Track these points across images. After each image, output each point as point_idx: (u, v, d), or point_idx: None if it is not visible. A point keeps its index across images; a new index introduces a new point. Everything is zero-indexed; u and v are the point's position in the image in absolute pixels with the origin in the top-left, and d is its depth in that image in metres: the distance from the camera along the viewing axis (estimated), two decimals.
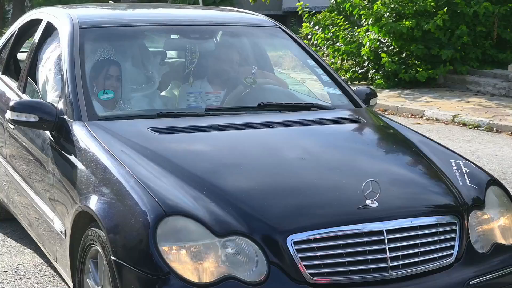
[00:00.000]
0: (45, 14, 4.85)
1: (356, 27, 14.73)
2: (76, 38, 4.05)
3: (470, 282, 2.94)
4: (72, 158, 3.47)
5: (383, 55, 13.42)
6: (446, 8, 12.55)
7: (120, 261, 2.76)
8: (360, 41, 13.82)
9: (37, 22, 4.98)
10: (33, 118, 3.63)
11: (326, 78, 4.51)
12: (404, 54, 13.52)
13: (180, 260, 2.70)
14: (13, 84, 4.83)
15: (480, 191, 3.28)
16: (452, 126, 10.50)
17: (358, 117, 4.06)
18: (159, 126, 3.62)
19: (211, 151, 3.47)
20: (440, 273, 2.91)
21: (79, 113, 3.66)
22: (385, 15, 13.13)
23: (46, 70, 4.39)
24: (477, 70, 13.45)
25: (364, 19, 13.63)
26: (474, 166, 3.53)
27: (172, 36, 4.72)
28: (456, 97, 12.54)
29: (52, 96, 4.15)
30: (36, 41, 4.64)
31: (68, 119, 3.67)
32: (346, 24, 14.92)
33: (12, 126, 4.36)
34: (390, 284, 2.79)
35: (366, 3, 13.35)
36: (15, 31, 5.34)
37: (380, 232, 2.82)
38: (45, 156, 3.80)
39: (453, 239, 3.00)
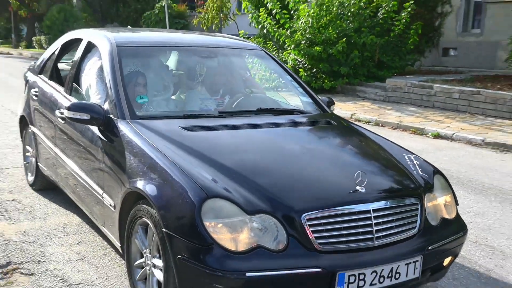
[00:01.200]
0: (85, 34, 4.71)
1: (281, 50, 14.64)
2: (115, 54, 3.96)
3: (429, 247, 2.97)
4: (120, 149, 3.36)
5: (300, 70, 13.49)
6: (344, 38, 12.69)
7: (171, 232, 2.68)
8: (284, 60, 13.70)
9: (77, 40, 4.79)
10: (85, 116, 3.52)
11: (300, 89, 4.42)
12: (315, 70, 13.56)
13: (220, 233, 2.60)
14: (59, 88, 4.64)
15: (429, 178, 3.32)
16: (351, 121, 10.48)
17: (329, 119, 4.03)
18: (187, 125, 3.51)
19: (232, 146, 3.38)
20: (408, 241, 2.92)
21: (122, 113, 3.54)
22: (302, 42, 13.20)
23: (89, 78, 4.26)
24: (364, 82, 13.68)
25: (288, 45, 13.53)
26: (422, 159, 3.56)
27: (183, 54, 4.57)
28: (351, 101, 12.66)
29: (95, 98, 4.02)
30: (79, 55, 4.50)
31: (113, 117, 3.56)
32: (274, 48, 14.92)
33: (62, 121, 4.14)
34: (375, 250, 2.77)
35: (289, 34, 13.26)
36: (58, 47, 5.08)
37: (368, 211, 2.82)
38: (94, 146, 3.67)
39: (416, 215, 3.02)
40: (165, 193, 2.84)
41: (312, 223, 2.68)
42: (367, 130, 4.00)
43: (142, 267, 3.11)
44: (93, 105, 3.61)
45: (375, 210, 2.83)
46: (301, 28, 13.02)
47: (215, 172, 2.87)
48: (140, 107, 3.71)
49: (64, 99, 4.33)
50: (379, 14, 13.12)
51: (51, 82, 4.87)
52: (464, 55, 16.69)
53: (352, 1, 12.74)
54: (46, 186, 5.19)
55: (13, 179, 5.69)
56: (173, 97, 4.11)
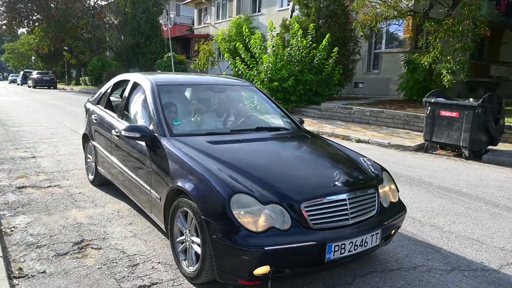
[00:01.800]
0: (131, 77, 4.42)
1: None
2: (155, 90, 3.69)
3: (384, 223, 2.87)
4: (163, 158, 3.14)
5: None
6: (293, 77, 12.62)
7: (208, 219, 2.55)
8: None
9: (124, 81, 4.49)
10: (137, 134, 3.32)
11: (281, 113, 4.19)
12: (274, 98, 13.05)
13: (244, 218, 2.47)
14: (113, 114, 4.32)
15: (380, 173, 3.22)
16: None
17: (305, 134, 3.83)
18: (211, 140, 3.27)
19: (244, 154, 3.15)
20: (371, 219, 2.82)
21: (164, 132, 3.32)
22: (265, 79, 12.98)
23: (135, 107, 4.01)
24: (306, 105, 13.47)
25: (255, 81, 13.26)
26: (372, 160, 3.39)
27: (200, 89, 4.34)
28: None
29: (141, 122, 3.78)
30: (128, 91, 4.20)
31: (157, 135, 3.33)
32: None
33: (117, 138, 3.85)
34: (350, 226, 2.67)
35: (256, 73, 13.08)
36: (111, 86, 4.77)
37: (344, 200, 2.71)
38: (143, 156, 3.43)
39: (375, 201, 2.91)
40: (201, 190, 2.65)
41: (308, 209, 2.55)
42: (331, 140, 3.85)
43: (183, 242, 2.90)
44: (141, 127, 3.37)
45: (349, 198, 2.71)
46: (264, 70, 12.85)
47: (236, 174, 2.70)
48: (175, 128, 3.46)
49: (118, 122, 4.05)
50: (315, 60, 13.07)
51: (106, 110, 4.57)
52: (368, 86, 16.86)
53: (297, 53, 12.74)
54: (102, 183, 4.86)
55: (77, 178, 5.32)
56: (192, 119, 3.87)
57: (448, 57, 11.15)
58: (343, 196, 2.69)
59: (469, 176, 6.05)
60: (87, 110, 5.14)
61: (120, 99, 4.86)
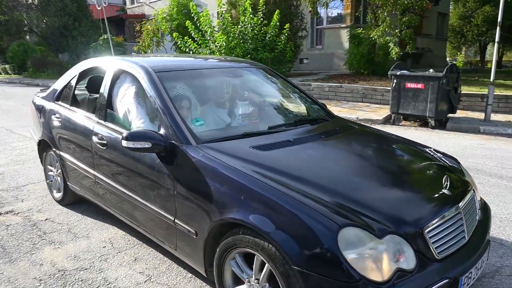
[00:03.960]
0: (108, 63, 3.07)
1: None
2: (156, 80, 2.47)
3: (488, 231, 2.19)
4: (196, 176, 2.06)
5: None
6: (248, 55, 11.52)
7: (306, 271, 1.58)
8: None
9: (95, 69, 3.20)
10: (147, 145, 2.15)
11: (307, 99, 3.16)
12: None
13: (364, 265, 1.56)
14: (88, 114, 2.98)
15: (459, 166, 2.46)
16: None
17: (350, 124, 2.86)
18: (255, 144, 2.22)
19: (310, 163, 2.13)
20: (478, 229, 2.07)
21: (186, 139, 2.20)
22: None
23: (125, 104, 2.72)
24: None
25: None
26: (440, 151, 2.62)
27: (211, 75, 3.09)
28: None
29: (138, 123, 2.58)
30: (108, 82, 2.88)
31: (177, 143, 2.18)
32: None
33: (102, 147, 2.62)
34: (467, 246, 1.88)
35: (209, 53, 11.76)
36: (75, 75, 3.38)
37: (459, 212, 1.93)
38: (157, 172, 2.27)
39: (474, 204, 2.16)
40: (281, 225, 1.66)
41: (431, 234, 1.73)
42: (376, 129, 2.97)
43: None
44: (151, 133, 2.20)
45: (463, 209, 1.93)
46: (216, 49, 11.51)
47: (323, 195, 1.73)
48: (199, 130, 2.34)
49: (100, 126, 2.78)
50: (267, 37, 12.08)
51: (76, 109, 3.22)
52: (313, 62, 16.32)
53: (249, 30, 11.64)
54: (74, 201, 3.55)
55: (36, 196, 3.86)
56: (212, 116, 2.72)
57: (396, 30, 11.01)
58: (457, 207, 1.90)
59: (448, 146, 5.77)
60: (40, 108, 3.67)
61: (87, 93, 3.52)
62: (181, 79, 2.73)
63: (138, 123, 2.55)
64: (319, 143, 2.38)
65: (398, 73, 7.59)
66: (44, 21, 22.54)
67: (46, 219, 3.33)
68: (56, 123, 3.32)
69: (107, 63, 3.00)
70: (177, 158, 2.14)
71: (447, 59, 22.80)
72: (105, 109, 2.78)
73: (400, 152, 2.51)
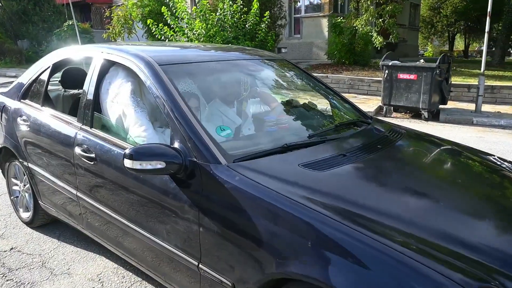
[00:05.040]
0: (90, 52, 2.33)
1: None
2: (163, 76, 1.81)
3: None
4: (235, 207, 1.46)
5: None
6: (228, 44, 10.73)
7: None
8: None
9: (68, 61, 2.46)
10: (159, 165, 1.53)
11: (337, 97, 2.57)
12: None
13: None
14: (67, 117, 2.29)
15: None
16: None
17: (397, 128, 2.31)
18: (304, 161, 1.62)
19: (386, 189, 1.59)
20: None
21: (213, 155, 1.58)
22: None
23: (119, 106, 2.05)
24: None
25: None
26: (506, 159, 2.16)
27: (226, 69, 2.40)
28: None
29: (138, 131, 1.95)
30: (95, 78, 2.14)
31: (200, 162, 1.55)
32: None
33: (89, 162, 1.94)
34: None
35: (186, 41, 10.97)
36: (48, 68, 2.60)
37: None
38: (172, 199, 1.64)
39: None
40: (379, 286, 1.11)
41: None
42: (427, 133, 2.45)
43: None
44: (163, 148, 1.58)
45: None
46: (195, 37, 10.68)
47: (429, 239, 1.23)
48: (228, 145, 1.73)
49: (85, 133, 2.09)
50: (247, 26, 11.39)
51: (50, 110, 2.48)
52: (292, 51, 15.77)
53: (230, 17, 10.91)
54: (47, 222, 2.84)
55: None
56: (234, 122, 2.09)
57: (380, 20, 10.71)
58: None
59: (450, 138, 5.48)
60: (0, 108, 2.91)
61: (61, 89, 2.80)
62: (192, 75, 2.07)
63: (138, 131, 1.90)
64: (379, 156, 1.82)
65: (390, 63, 7.33)
66: (1, 5, 20.56)
67: (12, 248, 2.60)
68: (23, 127, 2.57)
69: (91, 53, 2.29)
70: (202, 181, 1.53)
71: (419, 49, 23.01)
72: (91, 112, 2.09)
73: (478, 167, 2.00)
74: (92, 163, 1.98)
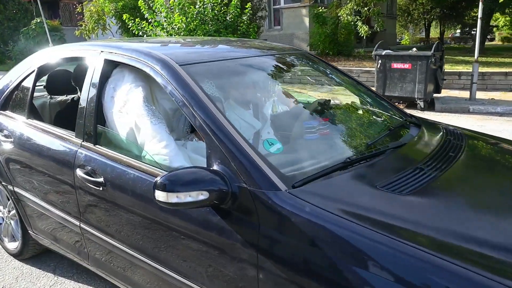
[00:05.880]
0: (88, 51, 1.92)
1: None
2: (188, 79, 1.43)
3: None
4: (309, 248, 1.10)
5: None
6: (209, 37, 10.29)
7: None
8: None
9: (61, 62, 2.01)
10: (201, 195, 1.16)
11: (367, 93, 2.25)
12: None
13: None
14: (62, 132, 1.87)
15: None
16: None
17: (453, 129, 2.02)
18: (383, 183, 1.26)
19: (494, 211, 1.27)
20: None
21: (269, 181, 1.20)
22: None
23: (130, 116, 1.64)
24: None
25: None
26: None
27: (251, 67, 2.03)
28: None
29: (158, 148, 1.55)
30: (95, 83, 1.74)
31: (253, 188, 1.19)
32: None
33: (97, 187, 1.56)
34: None
35: (167, 35, 10.47)
36: (33, 72, 2.15)
37: None
38: (218, 237, 1.27)
39: None
40: None
41: None
42: (479, 132, 2.16)
43: None
44: (203, 172, 1.21)
45: None
46: (174, 32, 10.17)
47: None
48: (283, 165, 1.34)
49: (88, 152, 1.68)
50: (228, 18, 10.95)
51: (38, 123, 2.05)
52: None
53: (210, 10, 10.45)
54: (39, 252, 2.42)
55: None
56: (273, 132, 1.74)
57: (365, 9, 10.55)
58: None
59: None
60: None
61: (47, 96, 2.37)
62: (217, 76, 1.70)
63: (157, 147, 1.53)
64: (459, 167, 1.50)
65: (383, 53, 7.17)
66: None
67: None
68: (5, 144, 2.13)
69: (87, 53, 1.88)
70: (258, 214, 1.19)
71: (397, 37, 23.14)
72: (93, 125, 1.69)
73: None
74: (100, 188, 1.59)
